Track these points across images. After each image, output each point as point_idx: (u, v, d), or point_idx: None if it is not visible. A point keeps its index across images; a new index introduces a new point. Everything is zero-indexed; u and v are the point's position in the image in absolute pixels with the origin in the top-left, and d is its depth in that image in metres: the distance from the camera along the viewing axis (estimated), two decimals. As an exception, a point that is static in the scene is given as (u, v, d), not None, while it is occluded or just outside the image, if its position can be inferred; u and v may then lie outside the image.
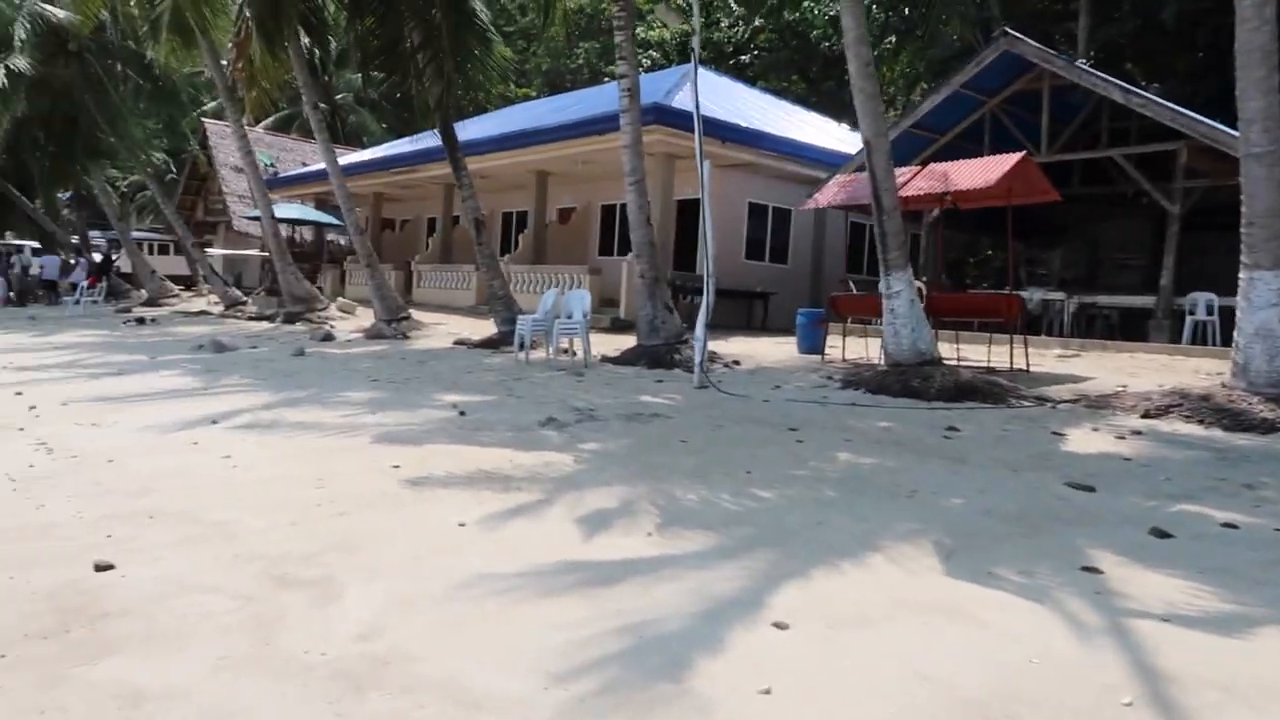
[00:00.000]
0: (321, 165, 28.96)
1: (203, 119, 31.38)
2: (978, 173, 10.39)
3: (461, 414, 8.55)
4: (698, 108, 10.71)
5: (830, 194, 12.95)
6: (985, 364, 11.28)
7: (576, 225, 22.97)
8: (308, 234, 28.53)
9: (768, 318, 19.61)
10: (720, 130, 17.55)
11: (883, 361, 10.25)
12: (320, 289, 20.60)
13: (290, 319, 18.14)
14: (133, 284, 26.79)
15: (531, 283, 19.62)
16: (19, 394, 9.93)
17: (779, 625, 3.83)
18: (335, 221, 24.03)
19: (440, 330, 16.52)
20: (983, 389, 9.20)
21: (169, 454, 7.05)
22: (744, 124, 19.52)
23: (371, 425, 8.05)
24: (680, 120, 17.46)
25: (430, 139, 18.15)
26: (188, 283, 29.60)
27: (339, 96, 41.43)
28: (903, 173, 11.55)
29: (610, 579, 4.38)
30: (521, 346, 12.45)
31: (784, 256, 21.37)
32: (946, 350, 11.44)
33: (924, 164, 13.52)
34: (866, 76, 9.53)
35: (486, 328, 16.94)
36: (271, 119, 38.58)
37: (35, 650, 3.57)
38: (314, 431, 7.84)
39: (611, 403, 9.31)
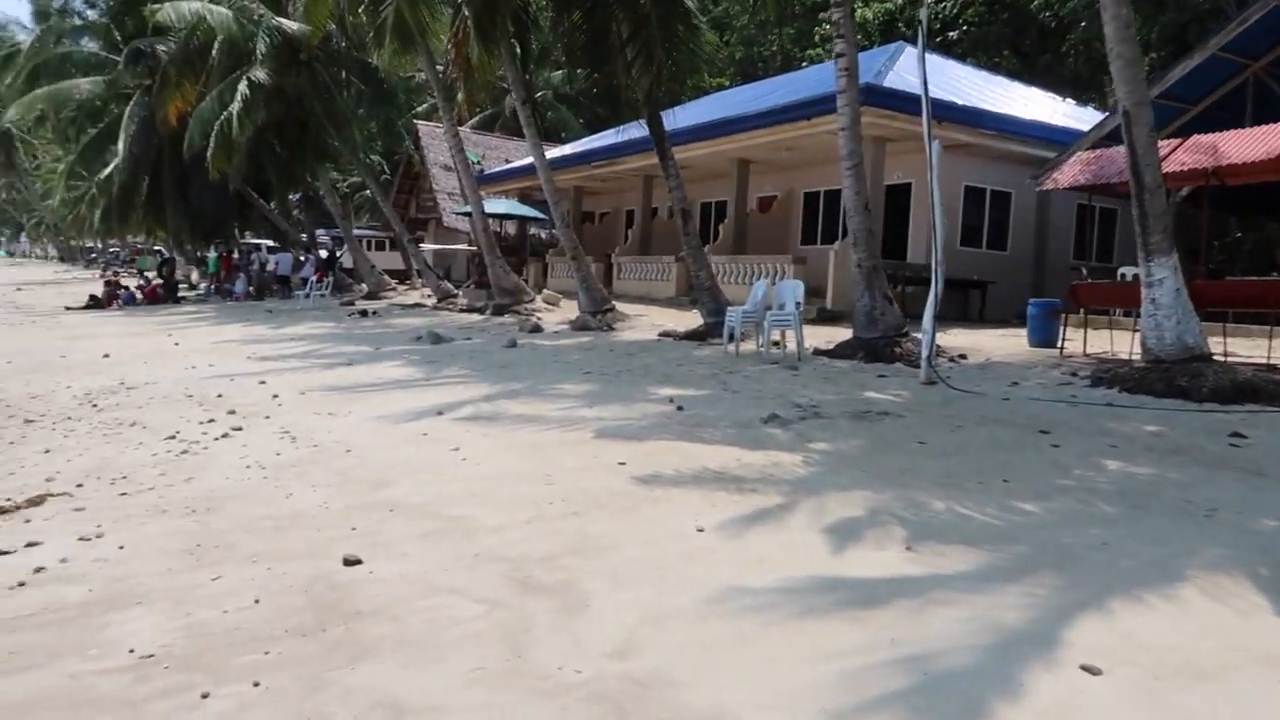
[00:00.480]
0: (525, 161, 29.83)
1: (415, 121, 32.98)
2: (1256, 144, 9.10)
3: (679, 409, 8.29)
4: (925, 84, 9.97)
5: (1072, 173, 11.82)
6: (1265, 361, 9.92)
7: (777, 214, 22.43)
8: (511, 228, 29.39)
9: (985, 308, 18.37)
10: (936, 109, 16.50)
11: (1139, 357, 9.18)
12: (524, 281, 21.05)
13: (499, 311, 18.64)
14: (354, 278, 28.53)
15: (733, 273, 19.27)
16: (262, 383, 10.55)
17: (1089, 669, 3.27)
18: (541, 215, 24.59)
19: (643, 322, 16.46)
20: (1267, 390, 8.03)
21: (401, 445, 7.17)
22: (960, 102, 18.34)
23: (591, 419, 7.92)
24: (892, 101, 16.59)
25: (631, 131, 18.11)
26: (401, 277, 31.25)
27: (538, 94, 42.52)
28: (1160, 146, 10.31)
29: (874, 600, 3.94)
30: (731, 338, 12.11)
31: (1002, 242, 19.97)
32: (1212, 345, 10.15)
33: (1176, 136, 12.12)
34: (1125, 40, 8.51)
35: (689, 319, 16.73)
36: (476, 119, 40.14)
37: (296, 649, 3.54)
38: (535, 425, 7.79)
39: (834, 399, 8.80)
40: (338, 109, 21.51)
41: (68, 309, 25.06)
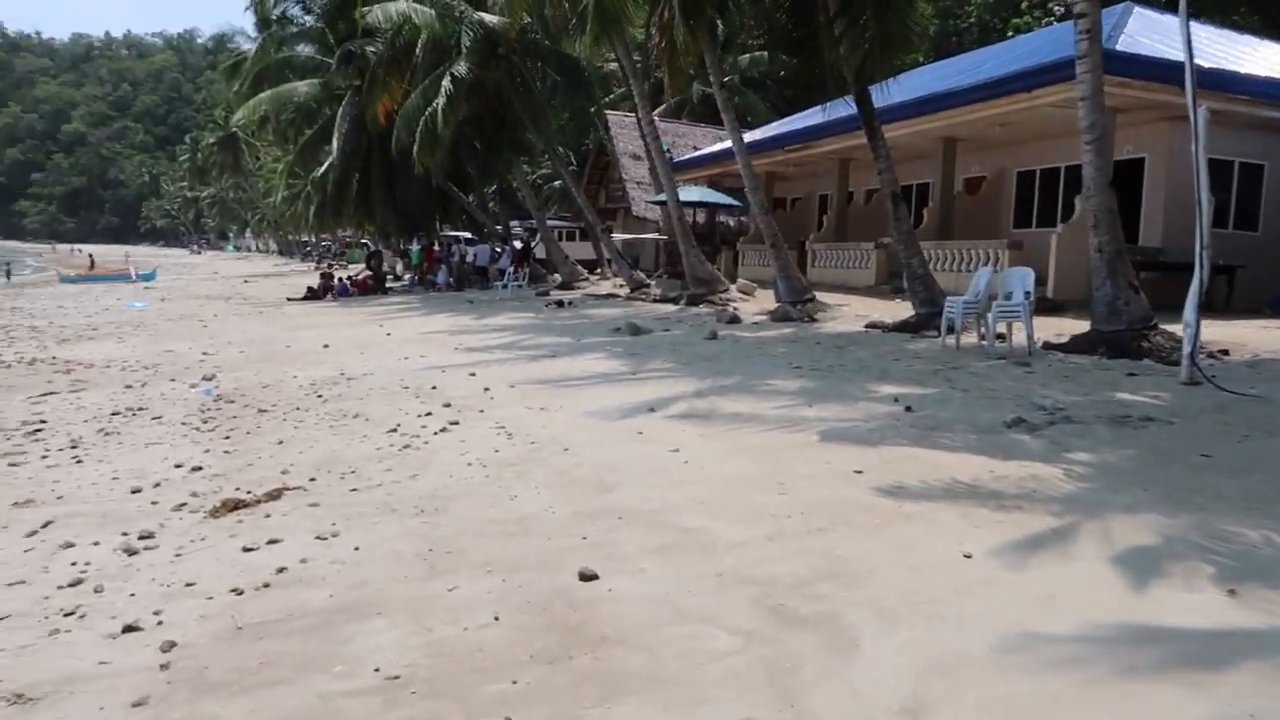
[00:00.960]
0: (715, 147, 29.47)
1: (605, 111, 33.21)
2: None
3: (907, 409, 7.65)
4: (1189, 42, 8.80)
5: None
6: None
7: (987, 195, 20.98)
8: (700, 217, 29.09)
9: (1233, 295, 16.42)
10: (1177, 73, 14.85)
11: None
12: (717, 271, 20.65)
13: (693, 301, 18.36)
14: (547, 268, 29.10)
15: (940, 260, 18.11)
16: (472, 375, 10.65)
17: None
18: (735, 203, 24.13)
19: (845, 312, 15.72)
20: None
21: (618, 444, 6.92)
22: (1205, 65, 16.42)
23: (812, 419, 7.42)
24: (1129, 66, 15.05)
25: (827, 113, 17.29)
26: (592, 266, 31.62)
27: (725, 79, 41.98)
28: None
29: (1211, 659, 3.27)
30: (950, 330, 11.25)
31: (1253, 222, 17.81)
32: None
33: None
34: None
35: (895, 309, 15.84)
36: (662, 107, 40.07)
37: (544, 679, 3.26)
38: (754, 424, 7.37)
39: (1081, 400, 7.89)
40: (534, 100, 21.83)
41: (288, 300, 26.82)
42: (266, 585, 4.26)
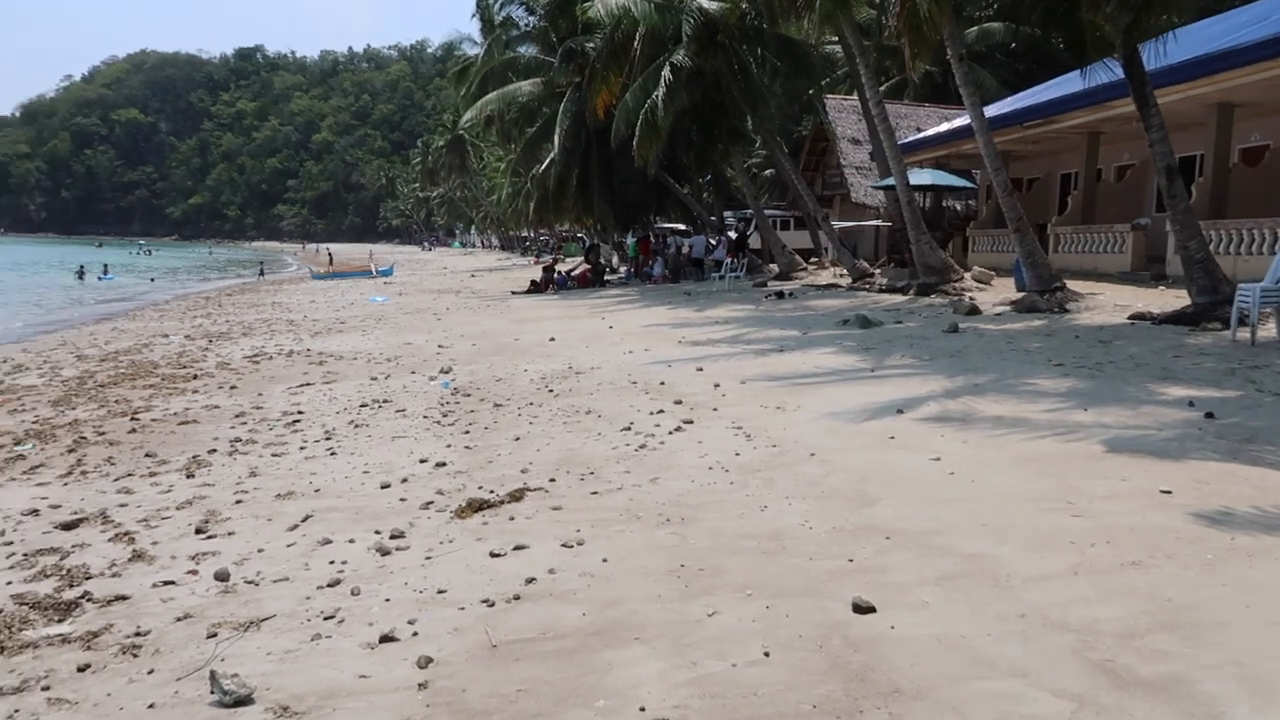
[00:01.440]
0: (942, 128, 27.80)
1: (823, 95, 32.14)
2: None
3: (1208, 415, 6.59)
4: None
5: None
6: None
7: (1271, 166, 18.44)
8: (925, 202, 27.57)
9: None
10: None
11: None
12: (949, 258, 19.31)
13: (924, 291, 17.27)
14: (762, 258, 28.53)
15: (1213, 241, 16.05)
16: (700, 370, 10.33)
17: None
18: (971, 184, 22.61)
19: (1101, 301, 14.19)
20: None
21: (868, 449, 6.35)
22: None
23: (1090, 425, 6.53)
24: None
25: (1083, 79, 15.68)
26: (807, 256, 30.76)
27: (947, 56, 39.74)
28: None
29: None
30: (1243, 322, 9.79)
31: None
32: None
33: None
34: None
35: (1157, 298, 14.20)
36: (883, 88, 38.44)
37: (837, 740, 2.82)
38: (1021, 430, 6.57)
39: None
40: (753, 86, 21.28)
41: (513, 293, 27.77)
42: (517, 598, 4.05)
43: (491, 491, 5.79)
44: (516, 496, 5.62)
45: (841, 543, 4.53)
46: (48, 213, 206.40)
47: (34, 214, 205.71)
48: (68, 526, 5.45)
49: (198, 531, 5.24)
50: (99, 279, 44.52)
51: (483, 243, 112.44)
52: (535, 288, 27.96)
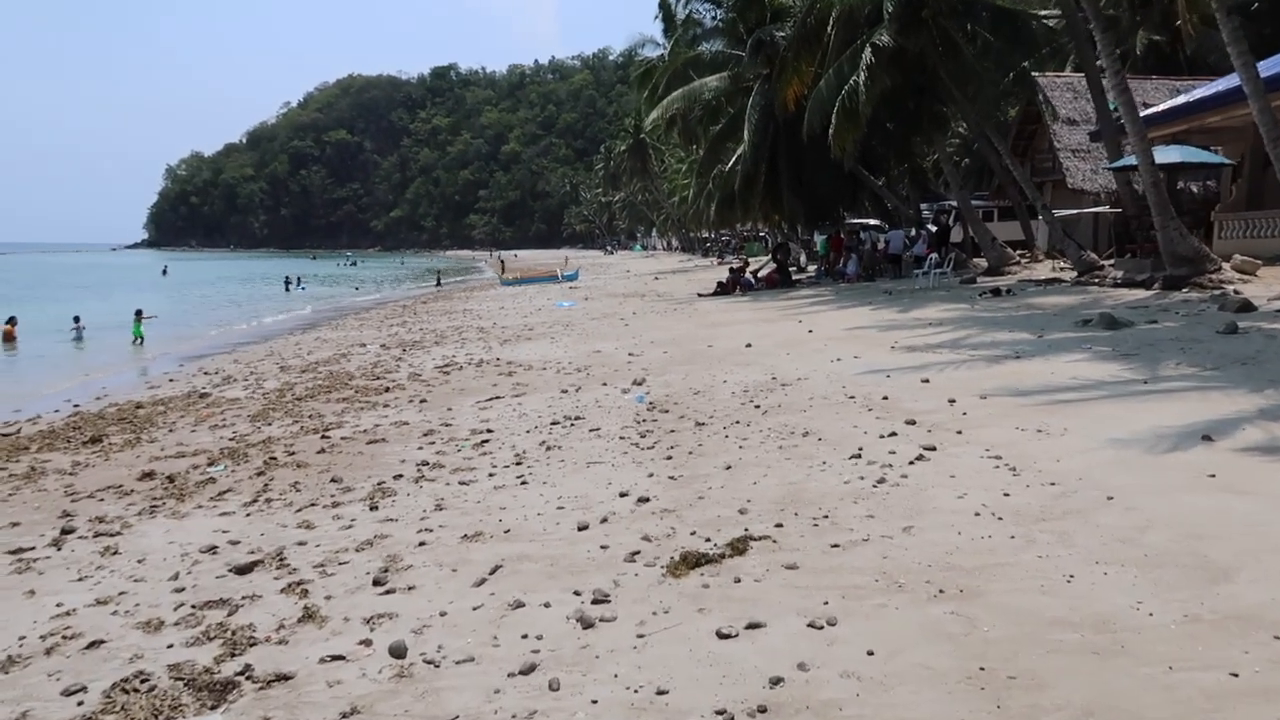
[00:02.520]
0: (1179, 100, 24.73)
1: (1033, 74, 29.44)
2: None
3: None
4: None
5: None
6: None
7: None
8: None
9: None
10: None
11: None
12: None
13: (1172, 284, 15.03)
14: (965, 252, 26.36)
15: None
16: (925, 381, 9.02)
17: None
18: (1229, 161, 19.82)
19: None
20: None
21: (1184, 491, 4.95)
22: None
23: None
24: None
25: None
26: (1015, 248, 28.28)
27: (1177, 22, 35.79)
28: None
29: None
30: None
31: None
32: None
33: None
34: None
35: None
36: (1099, 62, 35.12)
37: None
38: (1398, 468, 4.97)
39: None
40: (964, 65, 19.38)
41: (699, 296, 26.91)
42: (762, 710, 3.05)
43: (708, 539, 4.83)
44: (739, 548, 4.63)
45: (1205, 641, 3.26)
46: (269, 229, 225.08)
47: (257, 230, 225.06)
48: (242, 571, 4.91)
49: (375, 583, 4.56)
50: (300, 289, 47.53)
51: (664, 245, 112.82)
52: (722, 289, 26.98)
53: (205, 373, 15.12)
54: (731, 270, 28.52)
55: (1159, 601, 3.60)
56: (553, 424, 8.50)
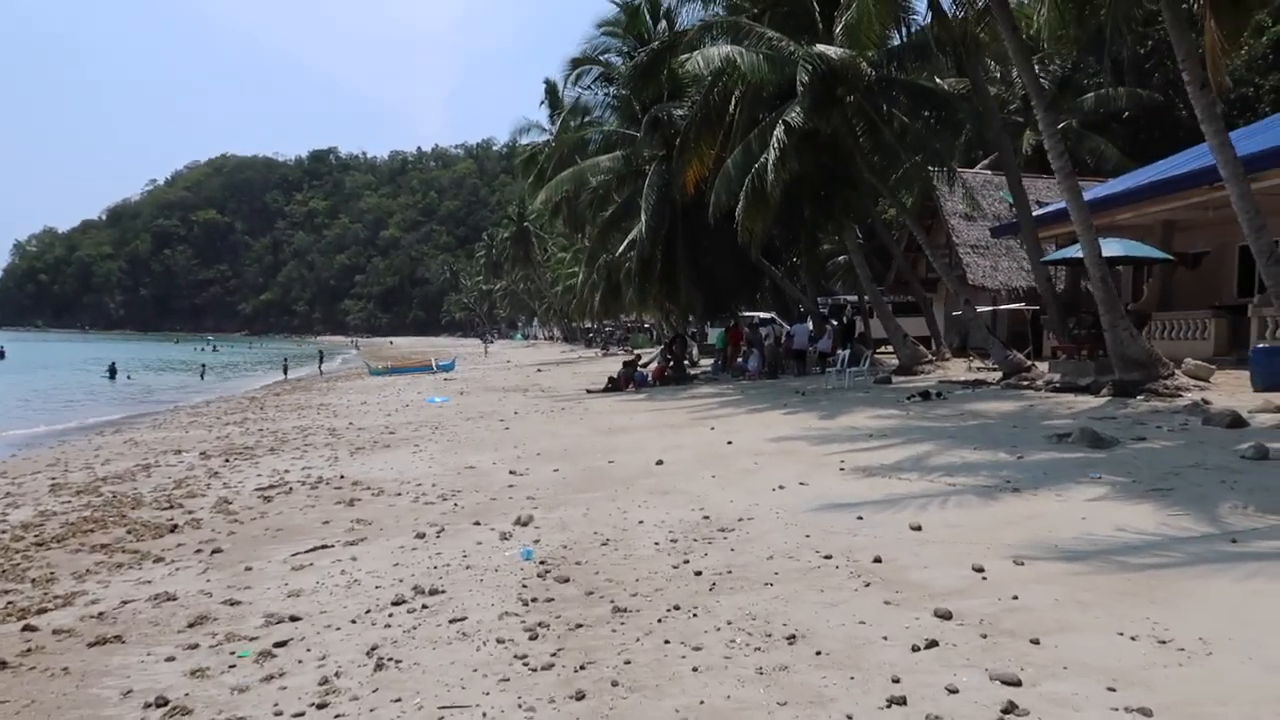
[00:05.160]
0: (1101, 192, 24.13)
1: (929, 167, 28.75)
2: None
3: None
4: None
5: None
6: None
7: None
8: (1059, 282, 23.76)
9: None
10: None
11: None
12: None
13: (1123, 390, 13.42)
14: (869, 348, 24.83)
15: None
16: (917, 529, 6.65)
17: None
18: (1166, 256, 18.71)
19: None
20: None
21: None
22: None
23: None
24: None
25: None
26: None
27: (1060, 123, 36.34)
28: None
29: None
30: None
31: None
32: None
33: None
34: None
35: None
36: (986, 161, 35.26)
37: None
38: None
39: None
40: (885, 147, 17.90)
41: (588, 391, 24.39)
42: None
43: None
44: None
45: None
46: (126, 310, 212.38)
47: (113, 311, 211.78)
48: None
49: None
50: (114, 378, 42.56)
51: (545, 334, 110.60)
52: (614, 385, 24.51)
53: (-53, 493, 11.52)
54: (626, 365, 26.08)
55: None
56: (395, 604, 5.67)
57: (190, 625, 5.43)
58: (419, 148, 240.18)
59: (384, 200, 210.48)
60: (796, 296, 27.73)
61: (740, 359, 26.11)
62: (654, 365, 28.04)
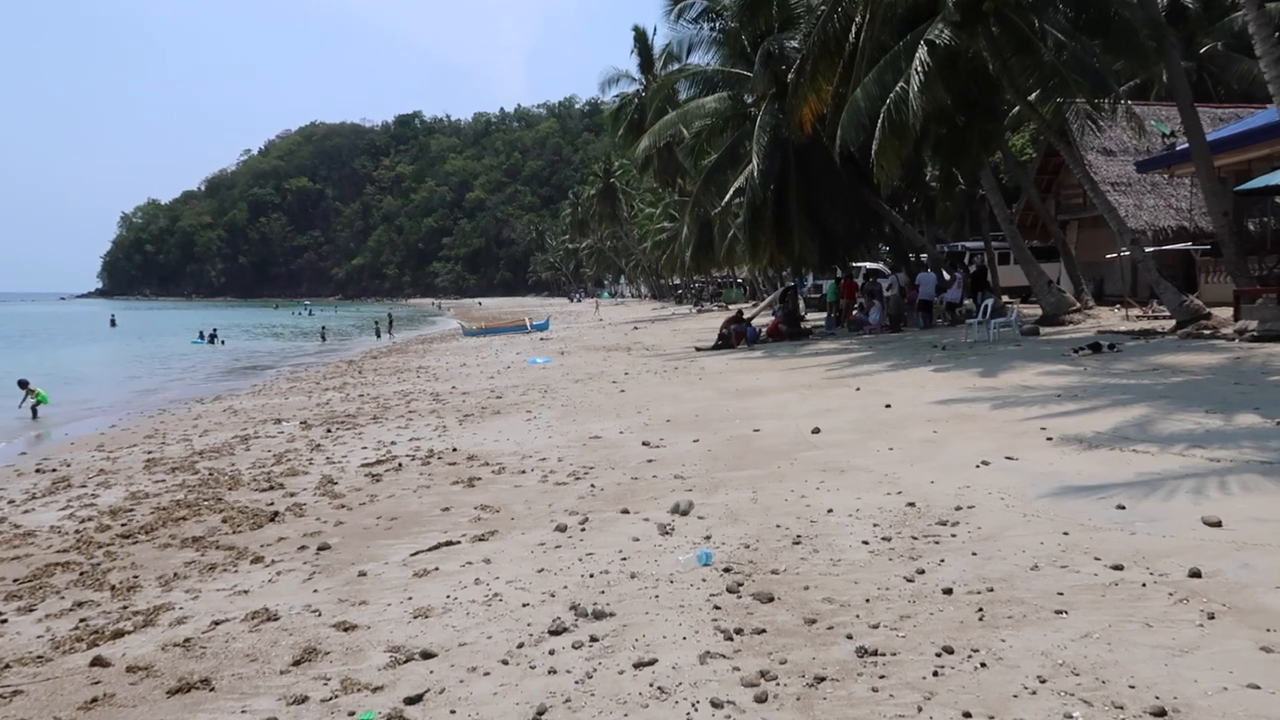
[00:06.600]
0: (1245, 124, 21.39)
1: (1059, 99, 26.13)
2: None
3: None
4: None
5: None
6: None
7: None
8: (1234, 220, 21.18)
9: None
10: None
11: None
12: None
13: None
14: (991, 295, 22.70)
15: None
16: (1216, 525, 5.01)
17: None
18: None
19: None
20: None
21: None
22: None
23: None
24: None
25: None
26: (1025, 294, 24.85)
27: (1203, 49, 32.99)
28: None
29: None
30: None
31: None
32: None
33: None
34: None
35: None
36: (1126, 86, 32.13)
37: None
38: None
39: None
40: (1042, 67, 15.68)
41: (698, 350, 22.91)
42: None
43: None
44: None
45: None
46: (226, 278, 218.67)
47: (214, 279, 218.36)
48: None
49: None
50: (206, 344, 42.85)
51: (633, 292, 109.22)
52: (725, 342, 22.94)
53: (38, 470, 10.74)
54: (732, 320, 24.39)
55: None
56: (554, 633, 4.33)
57: (295, 663, 4.20)
58: (501, 109, 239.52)
59: (469, 162, 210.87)
60: (919, 243, 25.59)
61: (857, 311, 24.24)
62: (759, 319, 26.38)
